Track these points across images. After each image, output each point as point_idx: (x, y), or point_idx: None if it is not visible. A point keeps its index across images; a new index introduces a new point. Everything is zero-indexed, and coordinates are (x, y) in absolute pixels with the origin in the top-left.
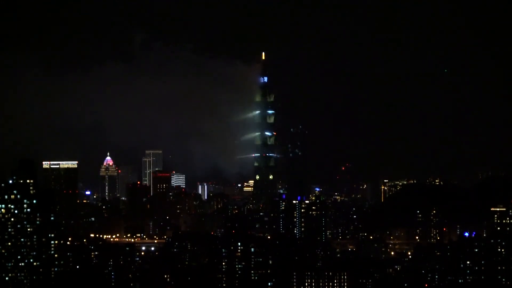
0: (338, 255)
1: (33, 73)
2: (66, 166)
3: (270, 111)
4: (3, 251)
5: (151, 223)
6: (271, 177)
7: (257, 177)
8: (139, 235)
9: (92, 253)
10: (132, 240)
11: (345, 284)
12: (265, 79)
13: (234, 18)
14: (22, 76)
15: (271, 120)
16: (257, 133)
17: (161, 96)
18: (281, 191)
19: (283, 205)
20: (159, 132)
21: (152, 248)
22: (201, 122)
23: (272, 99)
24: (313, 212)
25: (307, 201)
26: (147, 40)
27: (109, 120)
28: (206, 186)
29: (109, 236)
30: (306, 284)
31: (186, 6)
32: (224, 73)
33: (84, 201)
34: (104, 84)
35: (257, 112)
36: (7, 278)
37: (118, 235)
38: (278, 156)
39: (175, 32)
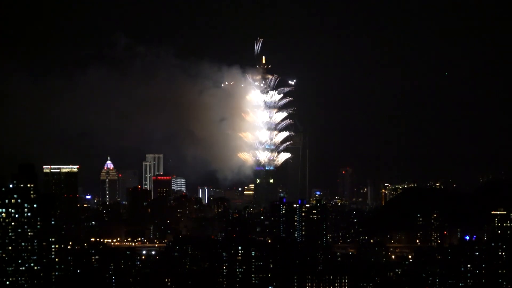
0: (339, 258)
1: (18, 78)
2: (66, 170)
3: (272, 112)
4: (3, 255)
5: (151, 227)
6: (271, 180)
7: (258, 181)
8: (139, 239)
9: (93, 257)
10: (133, 244)
11: (346, 287)
12: (267, 81)
13: (220, 21)
14: (7, 81)
15: (275, 120)
16: (258, 134)
17: (149, 100)
18: (282, 195)
19: (283, 209)
20: (149, 136)
21: (153, 252)
22: (192, 127)
23: (275, 100)
24: (314, 216)
25: (307, 205)
26: (130, 44)
27: (101, 125)
28: (206, 190)
29: (110, 240)
30: (307, 287)
31: (167, 10)
32: (212, 77)
33: (85, 205)
34: (90, 88)
35: (258, 114)
36: (7, 282)
37: (118, 239)
38: (280, 158)
39: (157, 36)
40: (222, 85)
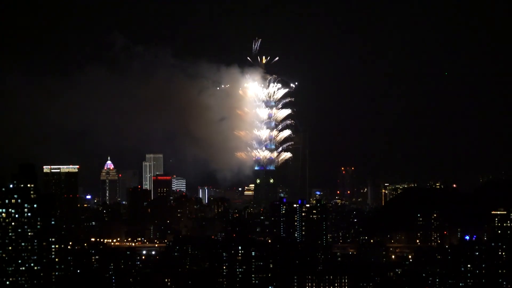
0: (339, 258)
1: (17, 78)
2: (66, 170)
3: (272, 112)
4: (4, 255)
5: (151, 227)
6: (271, 180)
7: (258, 181)
8: (139, 239)
9: (93, 257)
10: (133, 244)
11: (346, 287)
12: (266, 81)
13: (215, 22)
14: (6, 81)
15: (275, 120)
16: (258, 134)
17: (148, 100)
18: (282, 195)
19: (283, 209)
20: (149, 136)
21: (153, 252)
22: (191, 127)
23: (276, 99)
24: (314, 216)
25: (307, 205)
26: (128, 45)
27: (101, 125)
28: (206, 190)
29: (110, 240)
30: (307, 287)
31: (165, 10)
32: (211, 77)
33: (85, 205)
34: (90, 88)
35: (257, 113)
36: (7, 283)
37: (118, 239)
38: (280, 158)
39: (155, 36)
40: (218, 88)
